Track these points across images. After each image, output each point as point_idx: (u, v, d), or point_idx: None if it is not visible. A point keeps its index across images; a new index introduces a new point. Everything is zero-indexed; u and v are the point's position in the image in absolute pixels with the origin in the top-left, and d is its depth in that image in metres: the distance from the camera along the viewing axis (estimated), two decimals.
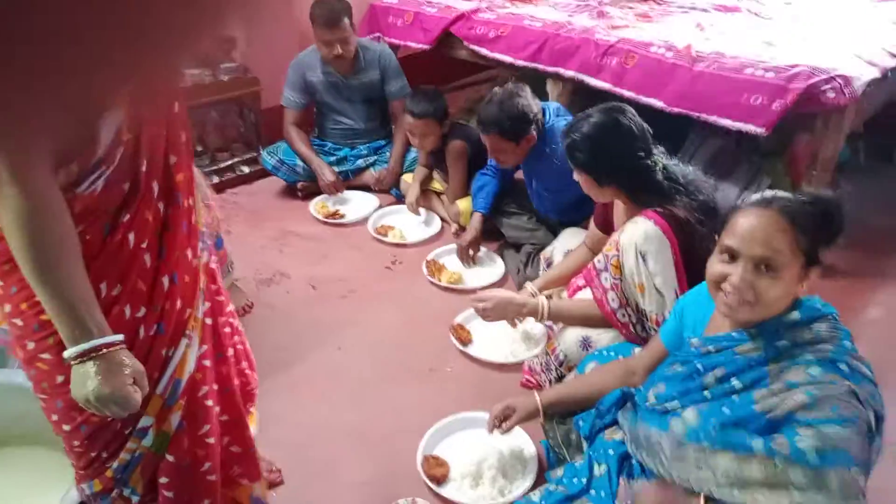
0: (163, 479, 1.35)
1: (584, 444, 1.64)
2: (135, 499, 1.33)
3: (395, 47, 3.42)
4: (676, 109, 2.57)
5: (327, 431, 2.04)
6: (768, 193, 1.35)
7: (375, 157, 3.39)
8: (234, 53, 3.37)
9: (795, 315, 1.30)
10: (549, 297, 2.08)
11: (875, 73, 2.45)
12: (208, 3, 0.28)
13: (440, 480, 1.82)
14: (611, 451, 1.53)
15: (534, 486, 1.77)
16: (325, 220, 3.16)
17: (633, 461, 1.50)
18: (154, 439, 1.28)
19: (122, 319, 1.17)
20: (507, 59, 3.11)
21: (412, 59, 3.52)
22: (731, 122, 2.45)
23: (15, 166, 0.96)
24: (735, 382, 1.32)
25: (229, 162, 3.43)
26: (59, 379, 1.15)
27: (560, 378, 2.01)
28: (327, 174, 3.22)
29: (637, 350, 1.77)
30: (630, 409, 1.52)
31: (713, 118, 2.50)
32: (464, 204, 2.96)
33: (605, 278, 1.86)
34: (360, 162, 3.38)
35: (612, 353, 1.81)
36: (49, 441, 1.72)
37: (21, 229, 1.00)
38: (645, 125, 1.88)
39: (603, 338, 1.93)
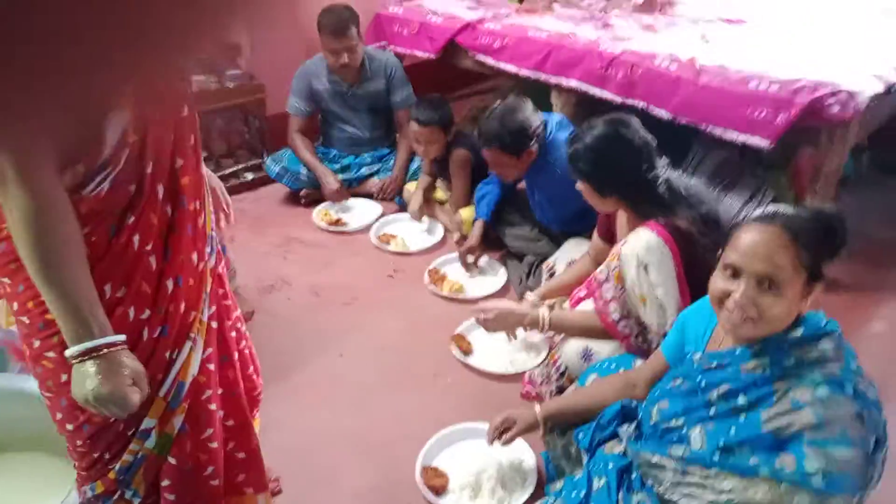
0: (165, 482, 1.35)
1: (584, 457, 1.63)
2: (136, 501, 1.33)
3: (400, 56, 3.43)
4: (682, 121, 2.57)
5: (328, 438, 2.04)
6: (771, 209, 1.35)
7: (379, 166, 3.39)
8: (239, 60, 3.39)
9: (799, 331, 1.29)
10: (550, 308, 2.07)
11: (880, 88, 2.45)
12: (208, 3, 0.28)
13: (439, 491, 1.81)
14: (610, 465, 1.52)
15: (533, 498, 1.76)
16: (328, 227, 3.17)
17: (634, 476, 1.49)
18: (157, 441, 1.29)
19: (125, 321, 1.18)
20: (512, 68, 3.11)
21: (417, 68, 3.53)
22: (736, 135, 2.45)
23: (20, 166, 0.97)
24: (741, 400, 1.31)
25: (233, 168, 3.44)
26: (63, 377, 1.16)
27: (561, 389, 2.00)
28: (331, 182, 3.23)
29: (638, 362, 1.76)
30: (632, 436, 1.51)
31: (718, 130, 2.50)
32: (466, 213, 2.96)
33: (607, 289, 1.86)
34: (364, 170, 3.39)
35: (613, 366, 1.81)
36: (50, 447, 1.73)
37: (27, 229, 1.01)
38: (649, 137, 1.88)
39: (604, 349, 1.93)
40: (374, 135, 3.39)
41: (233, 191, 3.40)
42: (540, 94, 3.10)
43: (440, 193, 3.18)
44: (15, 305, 1.18)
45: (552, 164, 2.48)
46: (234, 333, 1.47)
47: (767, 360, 1.29)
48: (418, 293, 2.72)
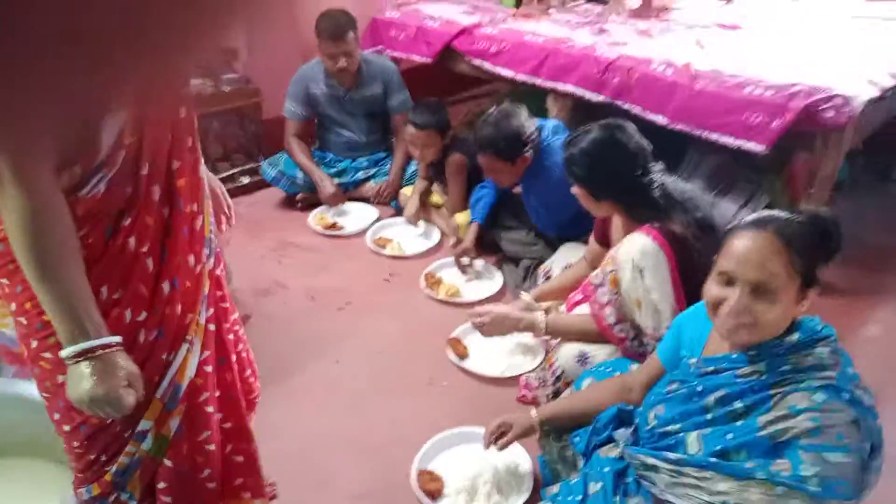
0: (161, 485, 1.34)
1: (580, 461, 1.63)
2: (132, 503, 1.33)
3: (396, 61, 3.44)
4: (677, 126, 2.58)
5: (324, 442, 2.03)
6: (764, 213, 1.35)
7: (376, 170, 3.40)
8: (235, 64, 3.39)
9: (795, 337, 1.29)
10: (546, 312, 2.08)
11: (874, 93, 2.46)
12: (208, 3, 0.28)
13: (435, 495, 1.81)
14: (606, 469, 1.52)
15: (529, 503, 1.76)
16: (324, 231, 3.16)
17: (629, 479, 1.49)
18: (153, 443, 1.29)
19: (122, 323, 1.18)
20: (508, 73, 3.12)
21: (414, 73, 3.54)
22: (732, 140, 2.46)
23: (17, 167, 0.97)
24: (738, 405, 1.31)
25: (229, 172, 3.43)
26: (60, 378, 1.16)
27: (557, 393, 2.01)
28: (328, 186, 3.23)
29: (634, 366, 1.77)
30: (629, 441, 1.51)
31: (713, 135, 2.51)
32: (462, 217, 2.96)
33: (603, 293, 1.86)
34: (361, 174, 3.39)
35: (609, 370, 1.81)
36: (47, 452, 1.73)
37: (23, 229, 1.02)
38: (644, 142, 1.89)
39: (600, 353, 1.93)
40: (371, 139, 3.39)
41: (229, 195, 3.40)
42: (536, 99, 3.11)
43: (436, 197, 3.18)
44: (13, 306, 1.19)
45: (547, 169, 2.48)
46: (231, 336, 1.47)
47: (764, 365, 1.30)
48: (414, 297, 2.72)
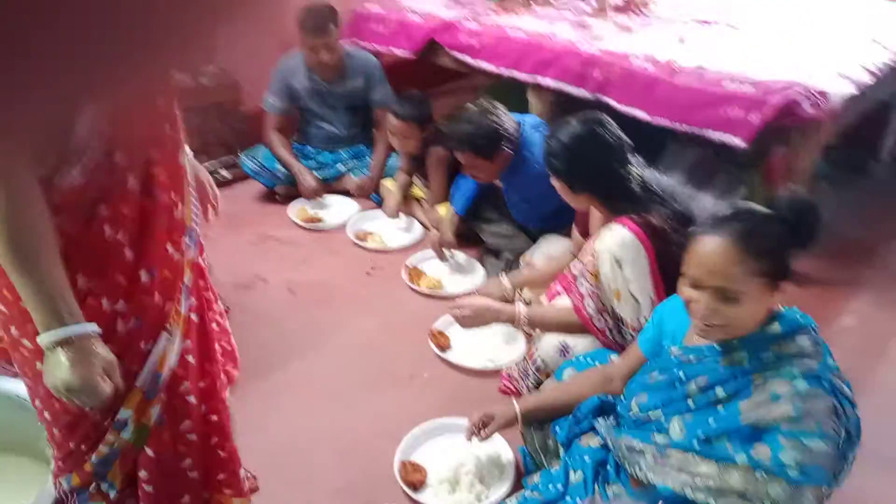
0: (142, 474, 1.34)
1: (561, 451, 1.64)
2: (112, 493, 1.32)
3: (378, 54, 3.42)
4: (658, 120, 2.60)
5: (305, 436, 2.02)
6: (729, 210, 1.35)
7: (356, 163, 3.38)
8: (214, 57, 3.35)
9: (776, 327, 1.31)
10: (527, 304, 2.08)
11: (852, 89, 2.50)
12: (209, 3, 0.28)
13: (417, 486, 1.81)
14: (587, 458, 1.53)
15: (511, 492, 1.76)
16: (305, 224, 3.15)
17: (609, 468, 1.50)
18: (133, 432, 1.28)
19: (99, 311, 1.16)
20: (490, 67, 3.12)
21: (395, 66, 3.53)
22: (712, 134, 2.48)
23: None
24: (719, 391, 1.33)
25: (208, 165, 3.40)
26: (39, 366, 1.15)
27: (538, 384, 2.02)
28: (308, 179, 3.21)
29: (614, 357, 1.78)
30: (613, 424, 1.52)
31: (694, 130, 2.53)
32: (444, 210, 2.96)
33: (582, 284, 1.87)
34: (341, 167, 3.38)
35: (590, 360, 1.82)
36: (34, 452, 1.71)
37: None
38: (623, 136, 1.90)
39: (580, 344, 1.94)
40: (352, 132, 3.38)
41: None
42: (518, 93, 3.12)
43: (418, 190, 3.18)
44: None
45: (527, 164, 2.49)
46: (214, 325, 1.46)
47: (745, 354, 1.31)
48: (396, 290, 2.71)
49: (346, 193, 3.35)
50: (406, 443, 1.92)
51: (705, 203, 2.73)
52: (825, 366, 1.29)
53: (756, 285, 1.27)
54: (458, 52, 3.23)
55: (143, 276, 1.21)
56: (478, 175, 2.60)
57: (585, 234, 2.14)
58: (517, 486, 1.79)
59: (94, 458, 1.27)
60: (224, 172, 3.44)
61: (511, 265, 2.68)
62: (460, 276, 2.78)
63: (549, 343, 1.99)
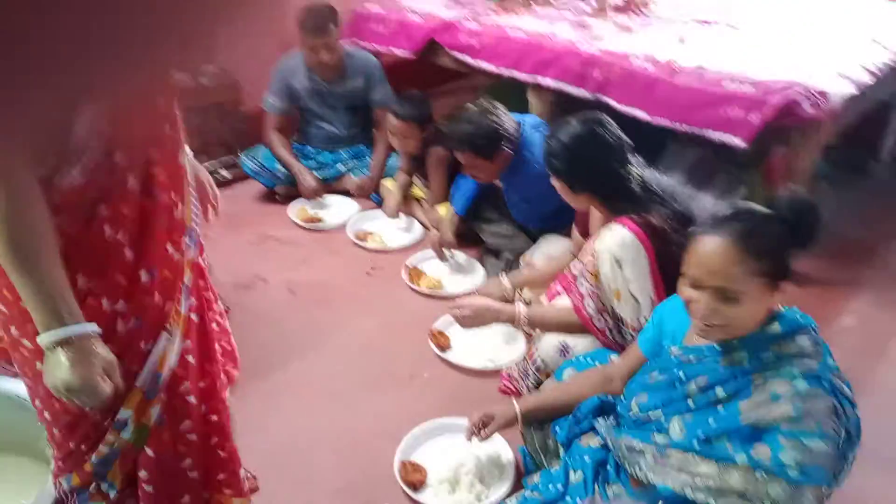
0: (142, 474, 1.34)
1: (561, 451, 1.64)
2: (112, 493, 1.32)
3: (378, 54, 3.42)
4: (658, 120, 2.60)
5: (305, 436, 2.02)
6: (729, 210, 1.35)
7: (356, 163, 3.38)
8: (213, 57, 3.35)
9: (776, 327, 1.31)
10: (527, 304, 2.08)
11: (852, 89, 2.50)
12: (206, 4, 0.28)
13: (417, 486, 1.81)
14: (587, 458, 1.53)
15: (511, 492, 1.76)
16: (305, 224, 3.15)
17: (609, 468, 1.50)
18: (133, 432, 1.28)
19: (99, 311, 1.16)
20: (490, 67, 3.12)
21: (395, 66, 3.53)
22: (712, 135, 2.48)
23: None
24: (719, 391, 1.33)
25: (208, 165, 3.40)
26: (39, 366, 1.15)
27: (538, 384, 2.02)
28: (308, 179, 3.21)
29: (614, 357, 1.78)
30: (613, 424, 1.52)
31: (694, 130, 2.53)
32: (444, 210, 2.96)
33: (582, 284, 1.87)
34: (341, 167, 3.38)
35: (590, 360, 1.82)
36: (34, 452, 1.71)
37: None
38: (623, 136, 1.90)
39: (580, 344, 1.94)
40: (352, 132, 3.38)
41: None
42: (518, 93, 3.12)
43: (418, 190, 3.18)
44: None
45: (527, 164, 2.50)
46: (214, 325, 1.46)
47: (745, 353, 1.31)
48: (396, 290, 2.71)
49: (346, 193, 3.34)
50: (406, 443, 1.92)
51: (705, 203, 2.73)
52: (825, 366, 1.28)
53: (756, 285, 1.27)
54: (458, 52, 3.23)
55: (143, 276, 1.21)
56: (478, 175, 2.60)
57: (585, 234, 2.14)
58: (517, 486, 1.79)
59: (94, 458, 1.27)
60: (224, 172, 3.44)
61: (511, 265, 2.68)
62: (460, 277, 2.78)
63: (549, 343, 1.99)
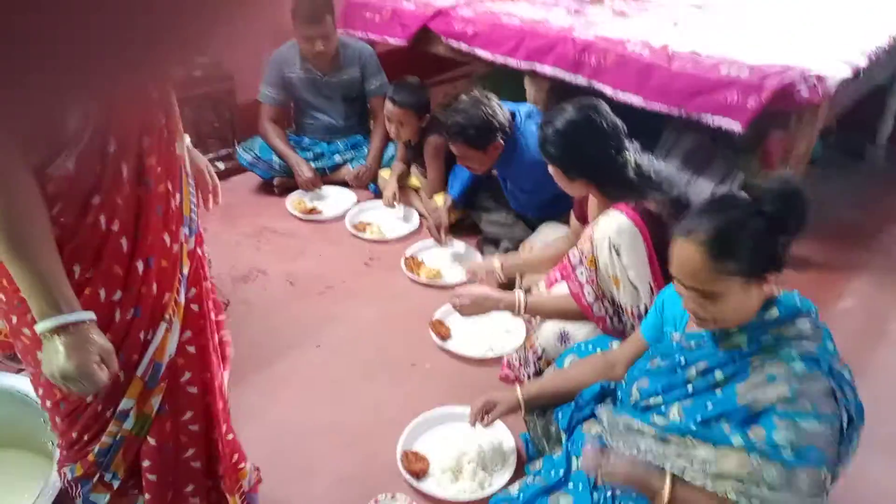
0: (146, 463, 1.34)
1: (563, 437, 1.65)
2: (116, 483, 1.33)
3: (372, 43, 3.41)
4: (654, 106, 2.59)
5: (306, 428, 2.03)
6: (706, 207, 1.33)
7: (353, 154, 3.37)
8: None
9: (774, 312, 1.31)
10: (526, 292, 2.09)
11: (847, 72, 2.49)
12: (206, 5, 0.27)
13: (420, 475, 1.82)
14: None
15: (513, 479, 1.77)
16: (302, 216, 3.14)
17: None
18: (135, 422, 1.29)
19: (96, 301, 1.17)
20: (486, 55, 3.11)
21: (390, 55, 3.51)
22: (709, 119, 2.48)
23: None
24: (718, 375, 1.33)
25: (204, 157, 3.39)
26: (39, 355, 1.15)
27: (539, 372, 2.02)
28: (305, 171, 3.20)
29: (615, 344, 1.78)
30: (611, 405, 1.53)
31: (691, 115, 2.52)
32: (441, 199, 2.96)
33: (581, 272, 1.87)
34: (338, 158, 3.36)
35: (591, 347, 1.83)
36: (37, 446, 1.72)
37: None
38: (618, 122, 1.90)
39: (580, 332, 1.94)
40: (348, 123, 3.37)
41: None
42: (514, 81, 3.10)
43: (415, 180, 3.17)
44: None
45: (522, 154, 2.49)
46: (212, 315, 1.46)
47: (745, 338, 1.32)
48: (395, 280, 2.71)
49: (344, 184, 3.34)
50: (408, 432, 1.93)
51: (703, 188, 2.73)
52: (824, 349, 1.29)
53: (736, 283, 1.26)
54: (453, 39, 3.21)
55: (140, 266, 1.21)
56: (472, 166, 2.60)
57: (583, 221, 2.14)
58: (519, 473, 1.80)
59: (96, 448, 1.29)
60: (220, 165, 3.43)
61: (509, 254, 2.68)
62: (459, 266, 2.77)
63: (549, 331, 1.99)
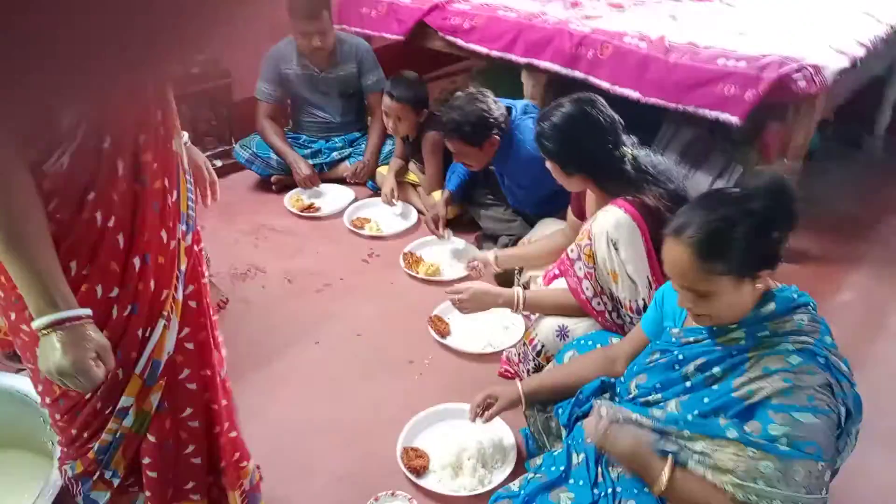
0: (146, 460, 1.35)
1: (564, 433, 1.65)
2: (116, 481, 1.34)
3: (368, 38, 3.39)
4: (651, 100, 2.58)
5: (305, 426, 2.03)
6: (693, 207, 1.33)
7: (351, 150, 3.36)
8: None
9: (771, 306, 1.31)
10: (525, 287, 2.09)
11: (845, 63, 2.48)
12: (206, 5, 0.27)
13: (420, 472, 1.82)
14: (589, 440, 1.54)
15: (513, 475, 1.78)
16: (300, 213, 3.14)
17: None
18: (135, 419, 1.29)
19: (93, 298, 1.17)
20: (482, 49, 3.09)
21: (386, 51, 3.50)
22: (707, 112, 2.47)
23: None
24: (716, 370, 1.33)
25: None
26: (38, 351, 1.15)
27: (538, 368, 2.02)
28: (303, 168, 3.19)
29: (614, 339, 1.78)
30: (608, 399, 1.54)
31: (689, 108, 2.51)
32: (439, 195, 2.95)
33: (579, 267, 1.87)
34: (335, 154, 3.36)
35: (590, 342, 1.82)
36: (37, 446, 1.72)
37: None
38: (615, 116, 1.89)
39: (579, 327, 1.94)
40: (346, 119, 3.36)
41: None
42: (511, 75, 3.09)
43: (413, 176, 3.17)
44: None
45: (518, 150, 2.49)
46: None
47: (743, 332, 1.32)
48: (394, 277, 2.71)
49: (342, 181, 3.33)
50: (408, 429, 1.93)
51: (701, 181, 2.73)
52: (821, 342, 1.28)
53: (727, 282, 1.26)
54: (450, 34, 3.20)
55: (137, 262, 1.21)
56: (468, 163, 2.60)
57: (581, 216, 2.14)
58: (519, 469, 1.80)
59: (96, 445, 1.29)
60: (217, 162, 3.42)
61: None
62: (458, 262, 2.77)
63: (548, 326, 1.99)
